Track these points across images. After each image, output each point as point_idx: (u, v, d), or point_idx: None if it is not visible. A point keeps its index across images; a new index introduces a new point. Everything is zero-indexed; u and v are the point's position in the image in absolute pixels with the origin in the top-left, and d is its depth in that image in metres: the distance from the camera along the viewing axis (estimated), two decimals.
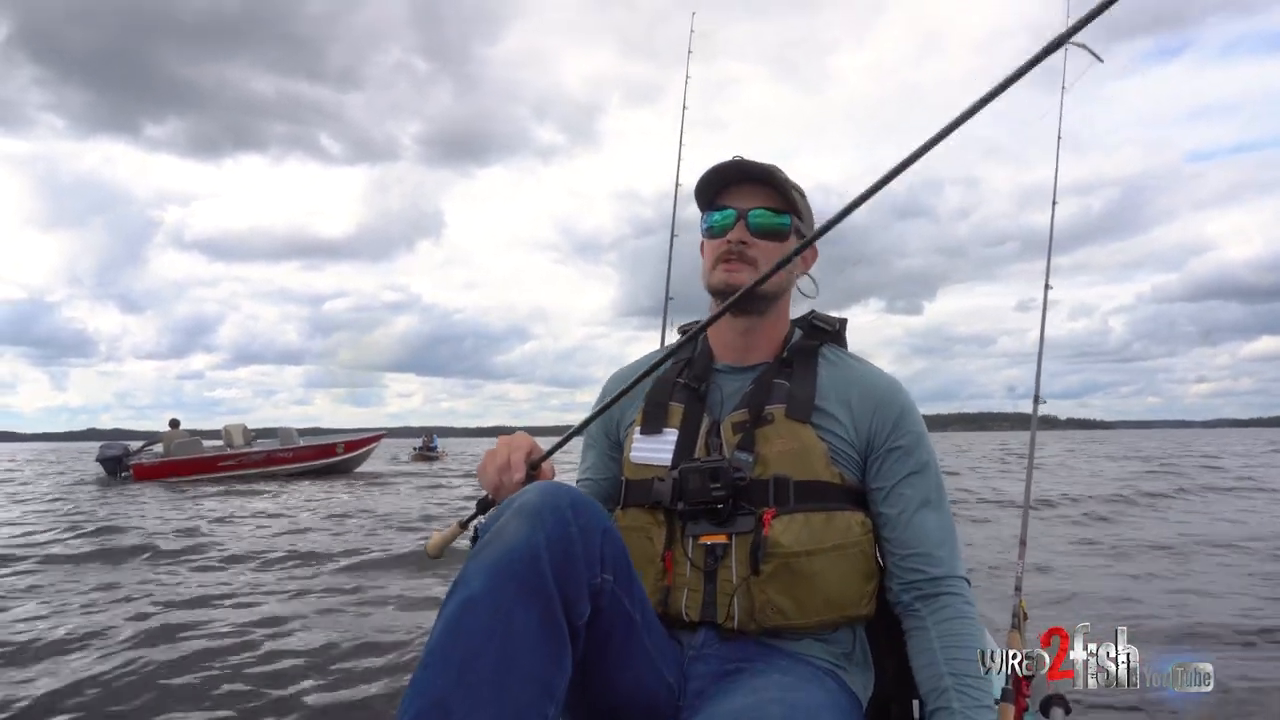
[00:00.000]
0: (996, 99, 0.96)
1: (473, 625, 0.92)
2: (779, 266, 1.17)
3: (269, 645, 3.84)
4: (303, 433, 20.45)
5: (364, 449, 20.85)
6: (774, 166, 1.32)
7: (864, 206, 1.03)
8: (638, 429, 1.36)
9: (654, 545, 1.26)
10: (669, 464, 1.29)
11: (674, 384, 1.37)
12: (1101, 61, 1.15)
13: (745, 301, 1.28)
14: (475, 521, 1.25)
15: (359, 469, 20.94)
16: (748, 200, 1.31)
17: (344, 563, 6.30)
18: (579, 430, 1.34)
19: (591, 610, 1.01)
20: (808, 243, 1.17)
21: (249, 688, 3.27)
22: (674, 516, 1.26)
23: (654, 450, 1.32)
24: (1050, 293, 2.89)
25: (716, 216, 1.33)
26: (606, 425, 1.44)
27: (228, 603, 4.84)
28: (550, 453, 1.23)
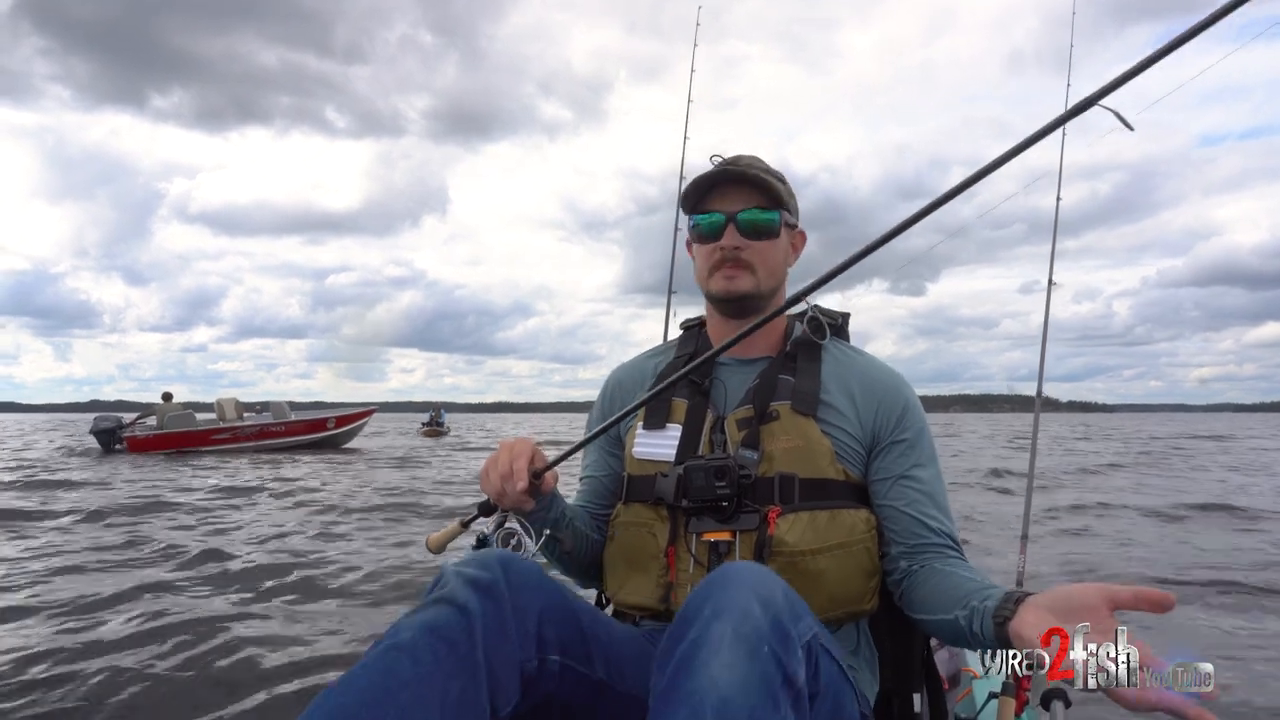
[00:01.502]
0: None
1: (391, 669, 0.87)
2: (786, 307, 1.23)
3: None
4: (303, 407, 20.47)
5: (355, 424, 20.91)
6: (756, 163, 1.33)
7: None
8: (640, 424, 1.35)
9: (657, 541, 1.26)
10: (672, 460, 1.29)
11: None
12: (1132, 130, 1.06)
13: (746, 306, 1.31)
14: (476, 523, 1.24)
15: (349, 444, 20.96)
16: (735, 202, 1.30)
17: None
18: (584, 444, 1.33)
19: (541, 695, 0.98)
20: (815, 286, 1.16)
21: None
22: (677, 513, 1.26)
23: (657, 446, 1.31)
24: (1055, 276, 3.03)
25: (703, 220, 1.32)
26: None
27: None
28: (553, 464, 1.22)
